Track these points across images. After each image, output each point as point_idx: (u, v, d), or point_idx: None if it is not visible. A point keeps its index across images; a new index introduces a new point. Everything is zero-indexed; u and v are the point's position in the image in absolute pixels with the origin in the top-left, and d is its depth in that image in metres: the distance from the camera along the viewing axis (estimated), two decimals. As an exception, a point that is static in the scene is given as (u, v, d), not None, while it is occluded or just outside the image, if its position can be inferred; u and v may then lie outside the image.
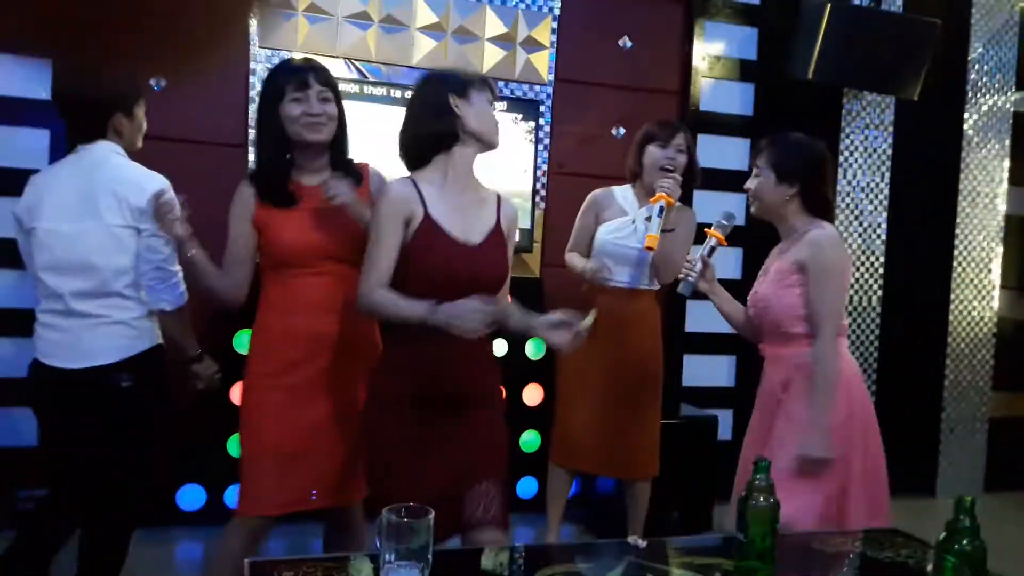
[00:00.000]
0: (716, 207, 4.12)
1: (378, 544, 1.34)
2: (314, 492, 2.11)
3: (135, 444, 2.27)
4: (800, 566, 1.56)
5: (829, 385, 2.12)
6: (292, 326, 2.10)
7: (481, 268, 1.91)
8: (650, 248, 2.65)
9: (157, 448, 2.34)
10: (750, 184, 2.34)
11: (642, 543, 1.54)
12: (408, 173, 1.97)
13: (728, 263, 4.04)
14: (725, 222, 2.42)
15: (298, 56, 3.39)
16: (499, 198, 2.06)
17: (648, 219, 2.71)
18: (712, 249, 2.39)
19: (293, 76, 2.09)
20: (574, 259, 2.98)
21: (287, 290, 2.12)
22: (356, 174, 2.20)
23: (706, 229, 2.45)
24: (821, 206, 2.31)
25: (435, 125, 1.91)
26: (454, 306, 1.75)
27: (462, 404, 1.90)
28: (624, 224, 2.89)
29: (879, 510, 2.14)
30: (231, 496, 3.18)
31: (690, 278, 2.37)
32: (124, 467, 2.28)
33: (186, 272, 2.20)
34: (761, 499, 1.44)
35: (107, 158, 2.22)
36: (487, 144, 1.97)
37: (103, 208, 2.13)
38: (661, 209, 2.65)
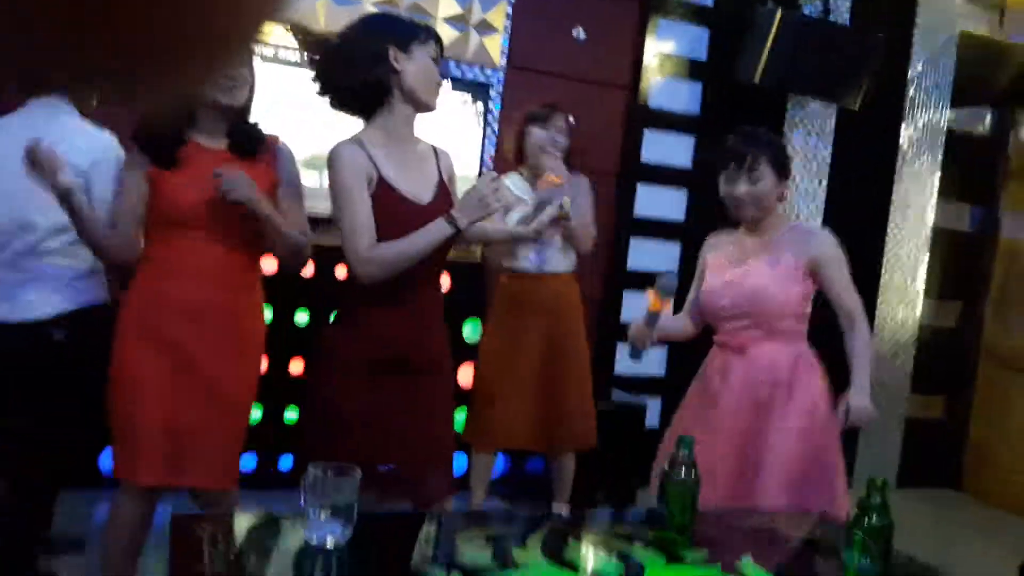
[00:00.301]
0: (661, 200, 4.25)
1: (302, 500, 1.33)
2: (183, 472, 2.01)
3: (64, 401, 2.23)
4: (718, 540, 1.61)
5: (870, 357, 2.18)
6: (172, 290, 2.00)
7: None
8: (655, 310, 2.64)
9: (86, 407, 2.28)
10: (751, 189, 2.17)
11: (565, 511, 1.57)
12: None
13: (665, 261, 4.14)
14: (666, 289, 2.15)
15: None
16: (435, 151, 2.03)
17: (540, 206, 2.70)
18: (653, 316, 2.16)
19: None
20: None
21: (170, 252, 2.00)
22: (258, 139, 2.09)
23: (649, 289, 2.20)
24: None
25: (369, 77, 1.83)
26: (465, 203, 1.80)
27: (417, 369, 1.89)
28: (528, 212, 2.85)
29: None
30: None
31: (636, 352, 2.24)
32: (51, 424, 2.24)
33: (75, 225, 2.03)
34: (683, 473, 1.48)
35: (56, 116, 2.19)
36: (423, 106, 1.90)
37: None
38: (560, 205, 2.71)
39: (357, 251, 1.81)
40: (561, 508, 1.59)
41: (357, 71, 1.83)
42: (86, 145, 2.16)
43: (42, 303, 2.16)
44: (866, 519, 1.30)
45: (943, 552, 3.46)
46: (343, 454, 1.64)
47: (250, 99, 2.07)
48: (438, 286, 2.03)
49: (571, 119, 2.99)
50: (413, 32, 1.89)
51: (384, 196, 1.84)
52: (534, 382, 2.89)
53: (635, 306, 4.13)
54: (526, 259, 2.91)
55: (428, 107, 1.93)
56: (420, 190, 1.91)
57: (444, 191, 1.97)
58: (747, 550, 1.49)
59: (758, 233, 2.25)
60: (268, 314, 3.31)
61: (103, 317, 2.18)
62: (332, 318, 2.04)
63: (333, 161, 1.85)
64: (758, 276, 2.18)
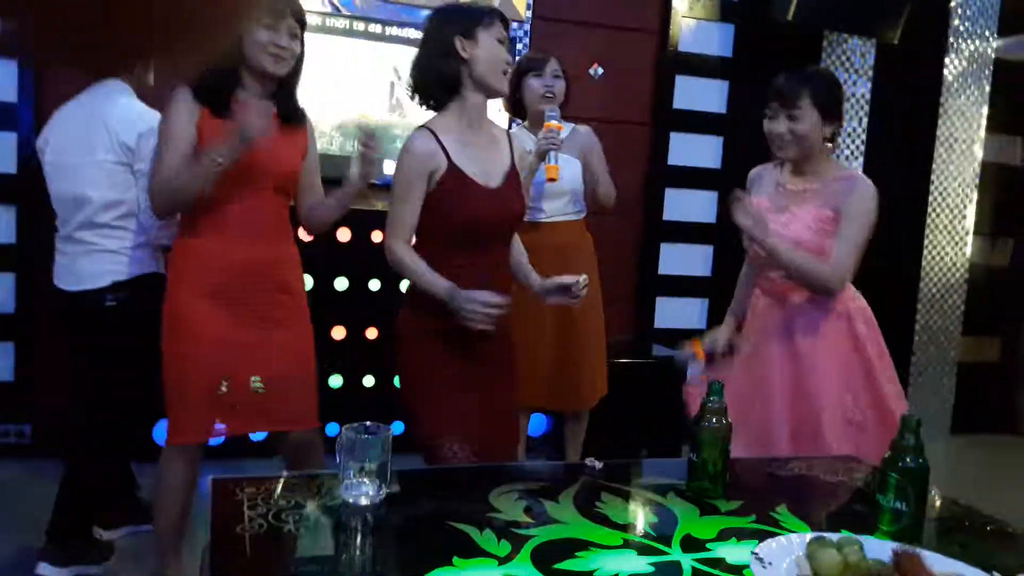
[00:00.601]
0: (695, 148, 4.17)
1: (338, 460, 1.36)
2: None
3: (118, 367, 2.37)
4: (753, 489, 1.60)
5: (797, 265, 2.07)
6: (220, 248, 2.06)
7: (502, 209, 1.97)
8: (552, 179, 2.70)
9: (142, 376, 2.37)
10: (791, 126, 2.11)
11: (599, 464, 1.57)
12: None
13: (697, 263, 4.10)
14: (710, 347, 2.27)
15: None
16: (509, 136, 2.10)
17: (541, 155, 2.68)
18: (697, 365, 2.24)
19: (270, 2, 2.03)
20: None
21: (215, 212, 2.04)
22: (302, 114, 2.19)
23: (694, 339, 2.31)
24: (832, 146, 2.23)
25: (441, 69, 1.91)
26: (470, 297, 1.80)
27: (486, 338, 1.92)
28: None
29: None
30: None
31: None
32: (107, 391, 2.40)
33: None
34: (713, 420, 1.47)
35: (111, 96, 2.34)
36: (494, 91, 1.96)
37: (97, 144, 2.28)
38: (548, 155, 2.67)
39: (389, 242, 1.93)
40: (594, 463, 1.59)
41: (430, 68, 1.92)
42: (134, 122, 2.29)
43: (96, 274, 2.32)
44: (900, 461, 1.27)
45: (999, 498, 3.40)
46: (437, 425, 1.83)
47: (296, 71, 2.14)
48: (507, 254, 2.07)
49: (561, 66, 2.92)
50: (476, 17, 1.92)
51: (454, 180, 1.91)
52: (549, 336, 2.87)
53: (672, 258, 4.10)
54: (533, 209, 2.87)
55: (499, 92, 1.99)
56: (490, 176, 1.97)
57: (513, 177, 2.02)
58: (782, 498, 1.48)
59: (803, 177, 2.19)
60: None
61: (154, 286, 2.28)
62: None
63: (402, 152, 1.93)
64: (799, 228, 2.12)
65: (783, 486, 1.61)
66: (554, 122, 2.66)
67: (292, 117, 2.15)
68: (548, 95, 2.85)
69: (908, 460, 1.28)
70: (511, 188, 2.00)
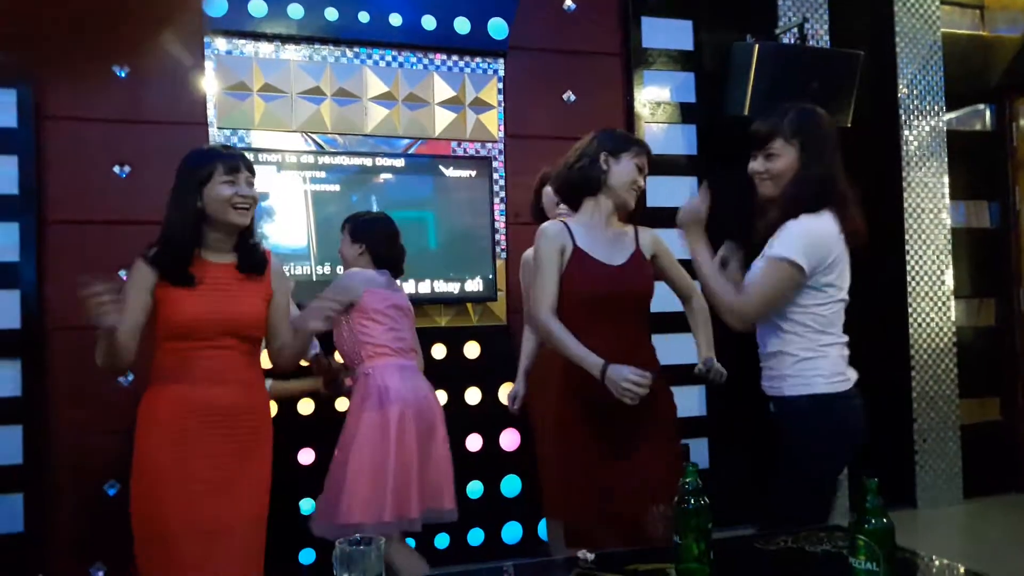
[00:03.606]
0: (670, 241, 4.30)
1: (335, 573, 1.41)
2: None
3: None
4: (739, 564, 1.64)
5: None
6: (188, 396, 2.11)
7: (624, 284, 2.25)
8: None
9: None
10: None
11: (590, 556, 1.62)
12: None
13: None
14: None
15: (255, 134, 3.57)
16: (636, 229, 2.38)
17: None
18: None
19: (223, 161, 2.16)
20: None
21: (184, 362, 2.12)
22: (260, 256, 2.27)
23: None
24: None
25: (583, 173, 2.30)
26: (619, 371, 2.03)
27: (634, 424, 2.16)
28: None
29: None
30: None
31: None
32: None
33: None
34: (692, 501, 1.52)
35: None
36: (621, 202, 2.30)
37: None
38: None
39: (537, 309, 2.24)
40: (586, 555, 1.65)
41: (579, 171, 2.30)
42: None
43: None
44: (865, 523, 1.33)
45: (1018, 561, 3.36)
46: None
47: (254, 217, 2.26)
48: (641, 333, 2.33)
49: None
50: (625, 144, 2.31)
51: (578, 259, 2.25)
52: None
53: (668, 348, 4.18)
54: None
55: (625, 205, 2.31)
56: (613, 257, 2.27)
57: (638, 259, 2.30)
58: (769, 573, 1.53)
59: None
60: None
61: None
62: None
63: (538, 236, 2.30)
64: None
65: (769, 560, 1.65)
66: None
67: (254, 268, 2.23)
68: (563, 212, 2.97)
69: (873, 521, 1.34)
70: (634, 266, 2.28)
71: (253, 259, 2.24)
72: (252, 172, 2.22)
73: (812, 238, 2.05)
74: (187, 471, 2.07)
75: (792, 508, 2.03)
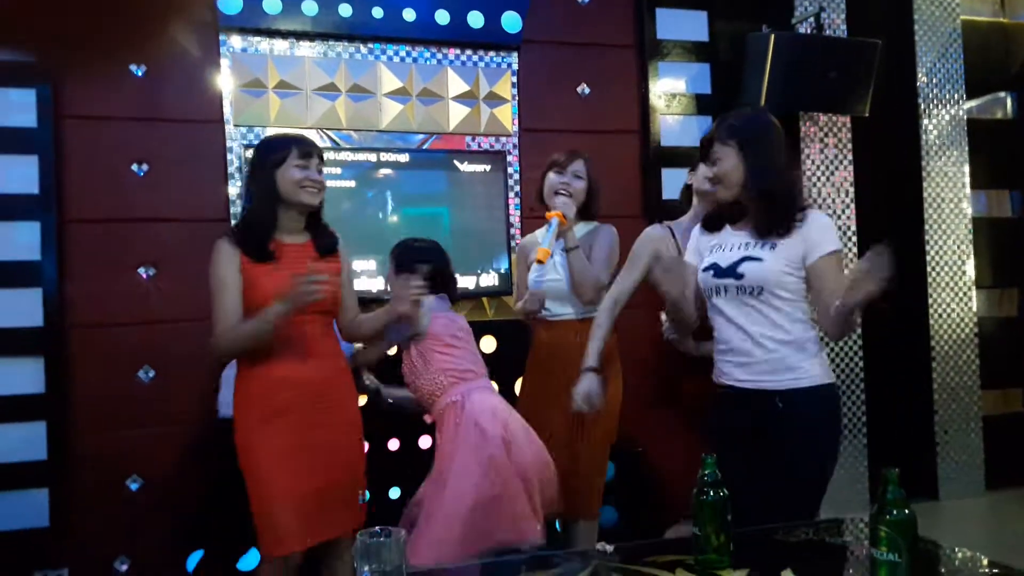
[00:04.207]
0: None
1: (355, 566, 1.42)
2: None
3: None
4: (757, 556, 1.64)
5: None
6: (277, 372, 2.27)
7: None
8: (539, 261, 2.72)
9: None
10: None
11: (609, 548, 1.62)
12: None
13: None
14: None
15: (271, 131, 3.59)
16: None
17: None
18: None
19: (298, 145, 2.35)
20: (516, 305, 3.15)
21: (277, 337, 2.24)
22: (332, 237, 2.47)
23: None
24: None
25: (687, 184, 2.97)
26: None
27: None
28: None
29: None
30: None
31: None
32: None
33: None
34: (711, 493, 1.52)
35: None
36: (707, 199, 2.63)
37: None
38: (550, 226, 2.78)
39: (604, 302, 2.62)
40: (605, 547, 1.65)
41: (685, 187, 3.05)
42: None
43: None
44: (886, 514, 1.32)
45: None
46: None
47: (322, 202, 2.43)
48: None
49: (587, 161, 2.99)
50: (704, 155, 2.36)
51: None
52: (551, 437, 2.72)
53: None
54: (556, 307, 2.92)
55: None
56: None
57: None
58: (788, 563, 1.52)
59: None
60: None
61: None
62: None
63: (641, 235, 2.72)
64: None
65: (788, 551, 1.65)
66: (557, 211, 2.77)
67: (329, 248, 2.43)
68: (561, 191, 2.89)
69: (895, 512, 1.33)
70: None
71: (327, 239, 2.43)
72: (322, 160, 2.41)
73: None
74: (286, 442, 2.23)
75: (806, 505, 2.00)
